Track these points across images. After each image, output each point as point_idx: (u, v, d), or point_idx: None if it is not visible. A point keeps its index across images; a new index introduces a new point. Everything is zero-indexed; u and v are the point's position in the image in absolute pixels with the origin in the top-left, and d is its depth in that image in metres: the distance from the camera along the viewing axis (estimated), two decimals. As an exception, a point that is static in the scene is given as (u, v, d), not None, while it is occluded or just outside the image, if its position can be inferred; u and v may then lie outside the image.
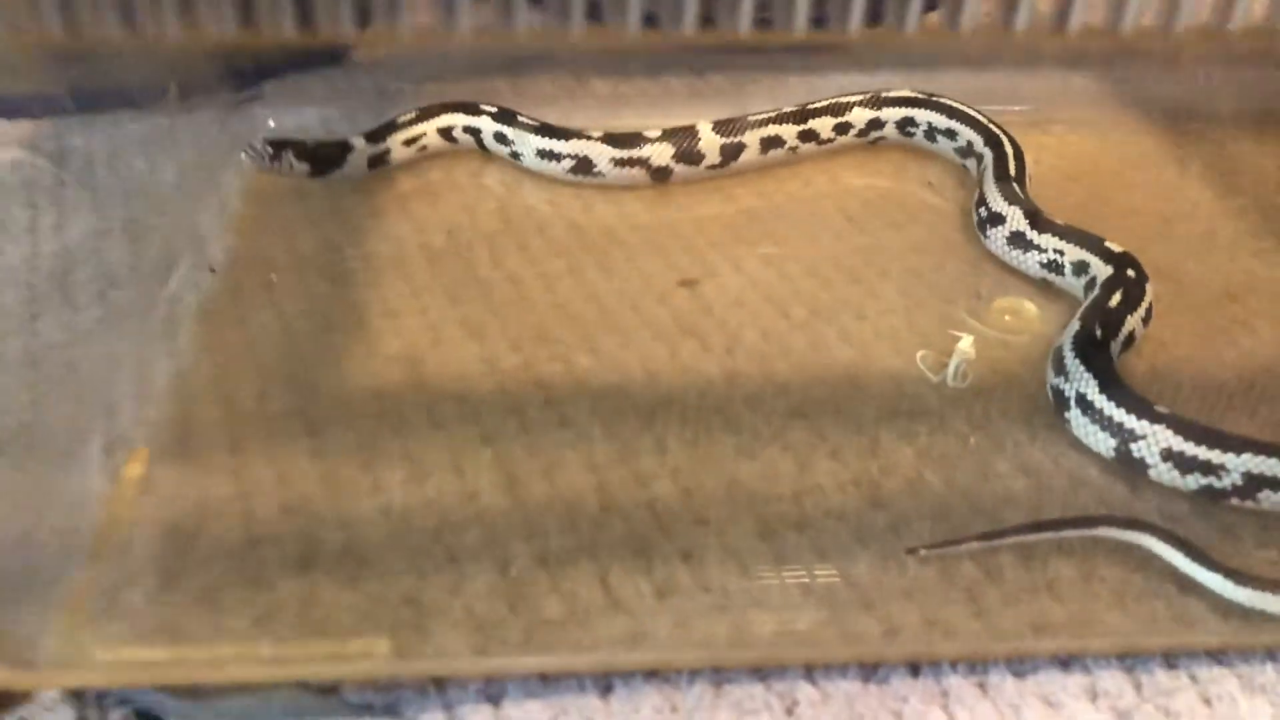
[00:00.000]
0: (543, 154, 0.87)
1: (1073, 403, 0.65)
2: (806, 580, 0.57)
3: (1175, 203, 0.89)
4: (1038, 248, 0.78)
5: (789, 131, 0.89)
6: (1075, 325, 0.70)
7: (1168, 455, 0.62)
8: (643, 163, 0.86)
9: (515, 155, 0.88)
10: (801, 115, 0.90)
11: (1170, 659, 0.55)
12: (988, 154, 0.88)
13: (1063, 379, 0.66)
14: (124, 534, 0.59)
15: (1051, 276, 0.78)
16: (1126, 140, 0.96)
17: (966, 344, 0.70)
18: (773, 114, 0.89)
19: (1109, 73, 1.05)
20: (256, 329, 0.73)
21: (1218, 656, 0.55)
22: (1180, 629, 0.55)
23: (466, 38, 0.36)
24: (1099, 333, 0.69)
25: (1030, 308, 0.76)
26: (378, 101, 0.92)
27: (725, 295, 0.77)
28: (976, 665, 0.55)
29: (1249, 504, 0.60)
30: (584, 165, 0.86)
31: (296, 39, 0.36)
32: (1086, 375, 0.65)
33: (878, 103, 0.92)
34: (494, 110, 0.89)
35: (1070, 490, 0.63)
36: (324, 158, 0.84)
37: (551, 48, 0.95)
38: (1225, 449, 0.60)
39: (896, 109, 0.92)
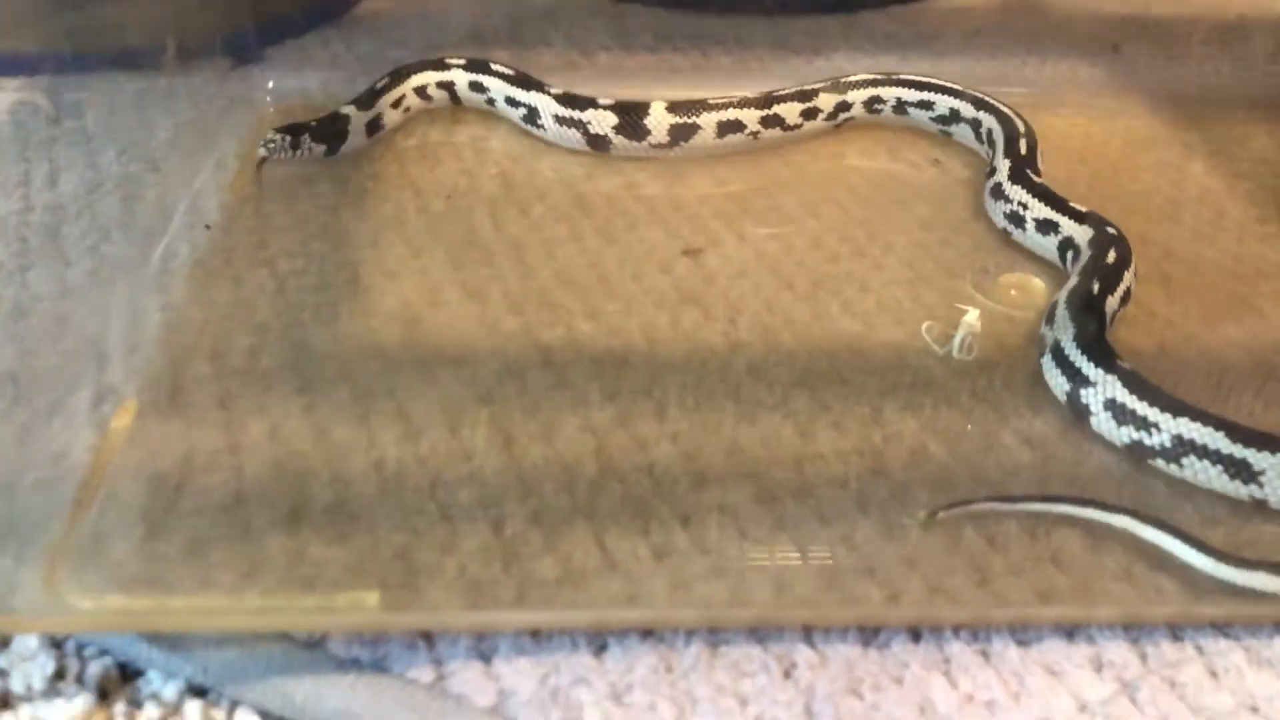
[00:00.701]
0: (510, 100, 0.88)
1: (1048, 348, 0.66)
2: (809, 548, 0.56)
3: (1183, 186, 0.88)
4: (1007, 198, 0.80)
5: (750, 116, 0.87)
6: (1074, 280, 0.70)
7: (1109, 405, 0.61)
8: (581, 126, 0.86)
9: (490, 102, 0.89)
10: (766, 101, 0.88)
11: (1176, 631, 0.54)
12: (985, 117, 0.88)
13: (1049, 326, 0.67)
14: (110, 485, 0.58)
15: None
16: (1135, 124, 0.96)
17: (973, 317, 0.69)
18: (735, 99, 0.87)
19: (1115, 60, 1.05)
20: (251, 286, 0.71)
21: (1224, 629, 0.54)
22: (1186, 601, 0.54)
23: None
24: (1095, 287, 0.69)
25: (1037, 284, 0.75)
26: (378, 66, 0.90)
27: (729, 265, 0.76)
28: (979, 633, 0.53)
29: (1173, 468, 0.60)
30: (532, 116, 0.87)
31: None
32: (1069, 324, 0.66)
33: (841, 87, 0.91)
34: (463, 61, 0.89)
35: (1074, 463, 0.62)
36: (333, 134, 0.82)
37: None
38: (1163, 409, 0.60)
39: (862, 90, 0.91)
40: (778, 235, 0.79)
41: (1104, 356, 0.63)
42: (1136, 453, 0.61)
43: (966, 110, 0.90)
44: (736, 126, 0.87)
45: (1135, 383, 0.62)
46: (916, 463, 0.61)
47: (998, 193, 0.80)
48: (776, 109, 0.88)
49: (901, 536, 0.57)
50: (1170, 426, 0.60)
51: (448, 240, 0.77)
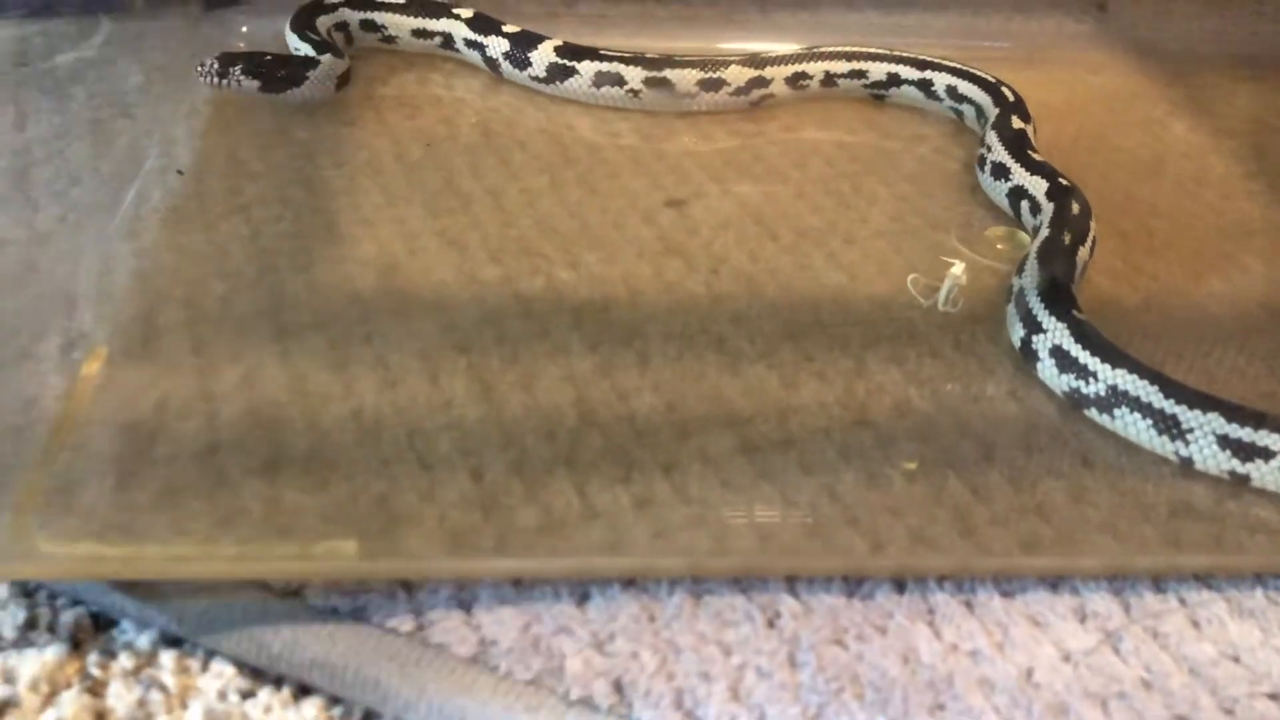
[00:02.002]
0: (416, 32, 0.89)
1: (1013, 295, 0.66)
2: (793, 497, 0.55)
3: (1167, 142, 0.87)
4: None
5: (634, 74, 0.85)
6: (1046, 231, 0.70)
7: (1055, 352, 0.61)
8: (480, 48, 0.88)
9: (389, 40, 0.90)
10: (658, 63, 0.86)
11: (1159, 582, 0.54)
12: (938, 78, 0.88)
13: (1019, 276, 0.67)
14: (80, 432, 0.56)
15: None
16: (1119, 80, 0.95)
17: (959, 269, 0.68)
18: (628, 54, 0.86)
19: (1101, 17, 1.04)
20: (225, 232, 0.70)
21: (1207, 580, 0.54)
22: (1169, 552, 0.54)
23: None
24: (1067, 239, 0.69)
25: (1023, 237, 0.74)
26: (357, 10, 0.89)
27: (713, 217, 0.75)
28: (964, 583, 0.53)
29: (1104, 419, 0.59)
30: (448, 41, 0.89)
31: None
32: (1035, 274, 0.66)
33: (758, 62, 0.87)
34: None
35: (1059, 415, 0.61)
36: (278, 76, 0.79)
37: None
38: (1103, 359, 0.60)
39: (784, 66, 0.88)
40: (762, 185, 0.78)
41: (1060, 305, 0.63)
42: (1073, 401, 0.61)
43: (908, 73, 0.89)
44: (616, 80, 0.85)
45: (1083, 332, 0.61)
46: (900, 414, 0.61)
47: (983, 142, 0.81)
48: (666, 72, 0.85)
49: (885, 486, 0.56)
50: (1107, 377, 0.59)
51: (426, 189, 0.75)
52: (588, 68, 0.85)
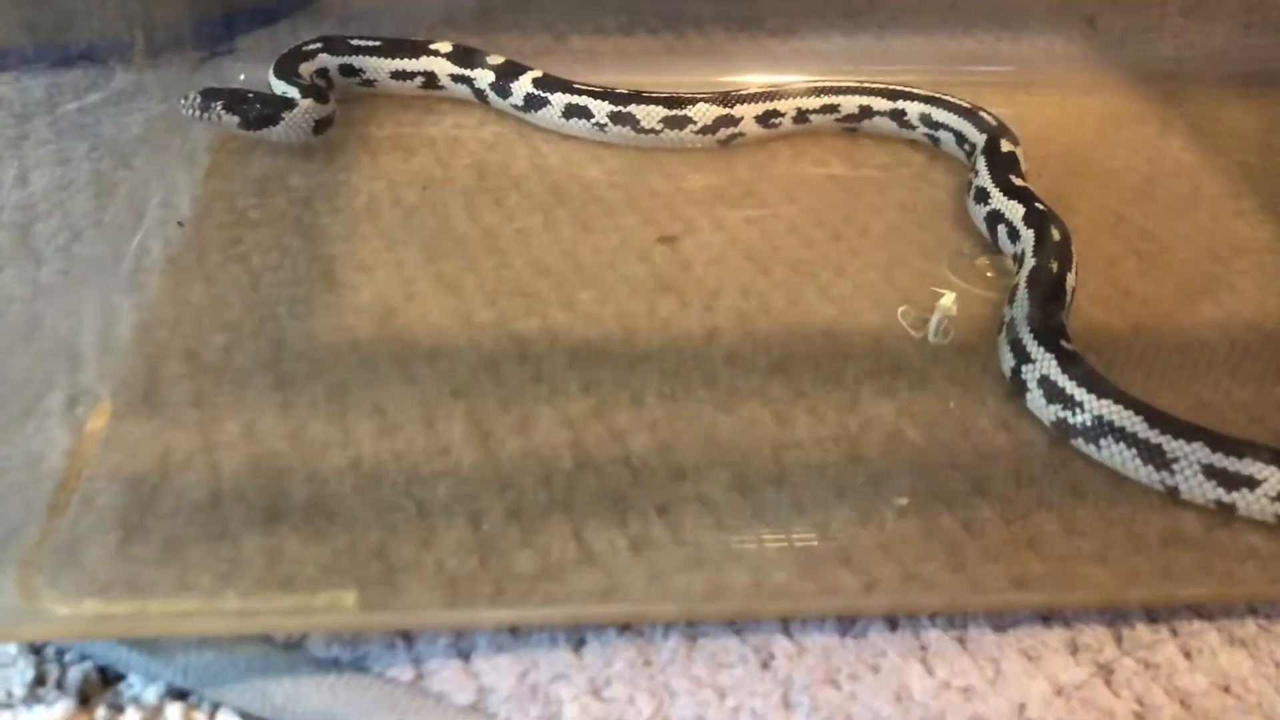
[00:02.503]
0: (395, 74, 0.90)
1: (1004, 326, 0.67)
2: (784, 543, 0.56)
3: (1158, 163, 0.88)
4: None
5: (600, 108, 0.85)
6: (1032, 260, 0.71)
7: (1042, 382, 0.62)
8: (468, 81, 0.90)
9: (368, 83, 0.91)
10: (625, 98, 0.85)
11: (1151, 612, 0.54)
12: (910, 107, 0.88)
13: (1010, 306, 0.68)
14: (85, 488, 0.57)
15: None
16: (1109, 101, 0.96)
17: (949, 300, 0.69)
18: (599, 88, 0.86)
19: (1091, 36, 1.05)
20: (225, 282, 0.71)
21: (1199, 609, 0.55)
22: (1161, 581, 0.55)
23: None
24: (1055, 266, 0.70)
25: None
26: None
27: (705, 252, 0.76)
28: (956, 619, 0.54)
29: (1091, 449, 0.60)
30: (431, 81, 0.90)
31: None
32: (1026, 305, 0.66)
33: (729, 100, 0.86)
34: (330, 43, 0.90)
35: (1051, 444, 0.62)
36: (256, 115, 0.81)
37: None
38: (1089, 390, 0.60)
39: (754, 104, 0.87)
40: (754, 221, 0.79)
41: (1049, 335, 0.64)
42: (1061, 431, 0.61)
43: (880, 104, 0.89)
44: (584, 113, 0.86)
45: (1070, 363, 0.62)
46: (893, 448, 0.62)
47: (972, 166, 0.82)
48: (631, 108, 0.85)
49: (878, 523, 0.57)
50: (1093, 407, 0.60)
51: (422, 232, 0.76)
52: (559, 99, 0.86)
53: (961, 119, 0.86)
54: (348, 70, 0.89)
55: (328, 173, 0.82)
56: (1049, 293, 0.67)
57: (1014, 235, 0.75)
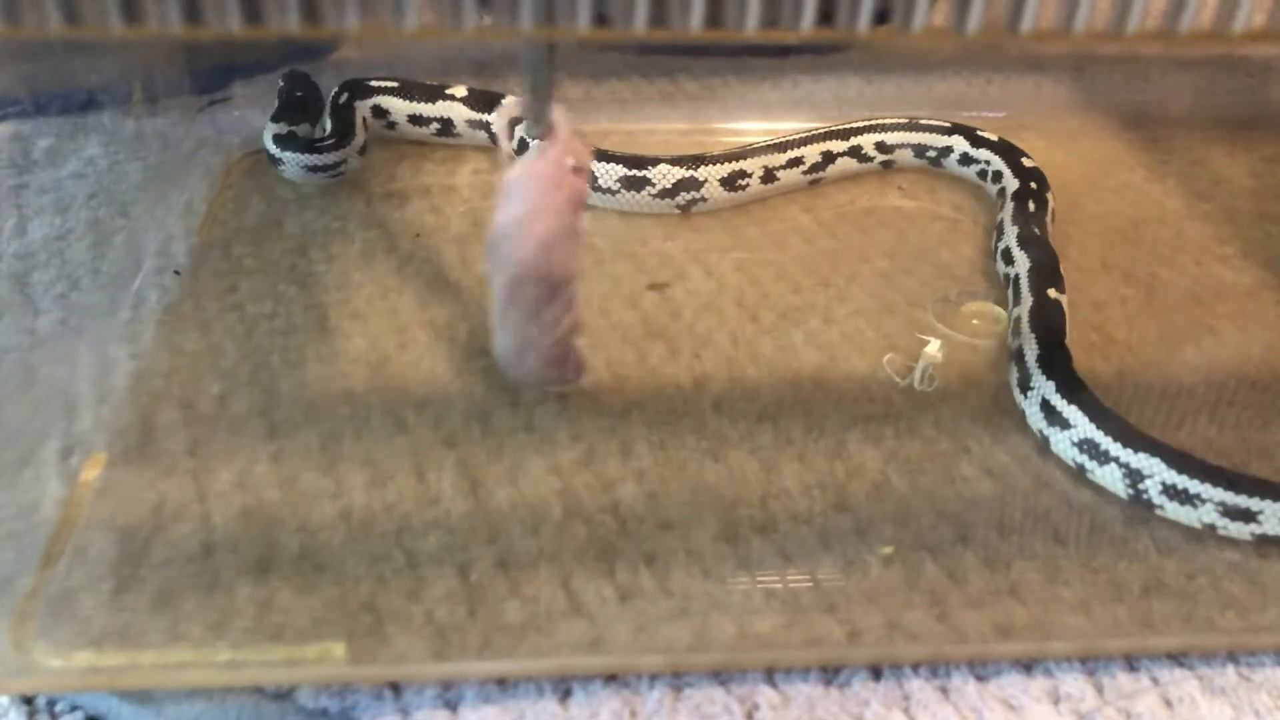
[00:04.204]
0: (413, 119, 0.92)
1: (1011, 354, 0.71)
2: (770, 592, 0.56)
3: (1143, 207, 0.89)
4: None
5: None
6: (1029, 300, 0.73)
7: (1044, 407, 0.65)
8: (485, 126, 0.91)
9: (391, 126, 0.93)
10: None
11: (1132, 661, 0.55)
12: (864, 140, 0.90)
13: (1014, 337, 0.72)
14: (79, 538, 0.58)
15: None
16: (1095, 146, 0.97)
17: (934, 348, 0.70)
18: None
19: (1079, 80, 1.06)
20: (220, 331, 0.72)
21: (1179, 658, 0.55)
22: (1142, 631, 0.55)
23: (413, 35, 0.35)
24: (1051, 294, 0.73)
25: (999, 312, 0.76)
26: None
27: (695, 299, 0.77)
28: (939, 668, 0.54)
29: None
30: (447, 128, 0.91)
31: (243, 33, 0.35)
32: (1028, 334, 0.70)
33: (692, 162, 0.84)
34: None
35: (1034, 493, 0.63)
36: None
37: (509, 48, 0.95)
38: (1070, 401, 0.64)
39: (719, 165, 0.85)
40: (743, 267, 0.80)
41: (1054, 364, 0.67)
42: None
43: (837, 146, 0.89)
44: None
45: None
46: (878, 496, 0.62)
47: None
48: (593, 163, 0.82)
49: (863, 572, 0.58)
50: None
51: (416, 280, 0.77)
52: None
53: (914, 133, 0.91)
54: (377, 111, 0.91)
55: (322, 220, 0.83)
56: (1053, 321, 0.71)
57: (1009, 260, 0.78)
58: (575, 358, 0.65)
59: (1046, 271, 0.75)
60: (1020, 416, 0.67)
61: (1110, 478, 0.62)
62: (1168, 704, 0.53)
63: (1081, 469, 0.63)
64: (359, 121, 0.88)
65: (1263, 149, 0.96)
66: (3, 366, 0.70)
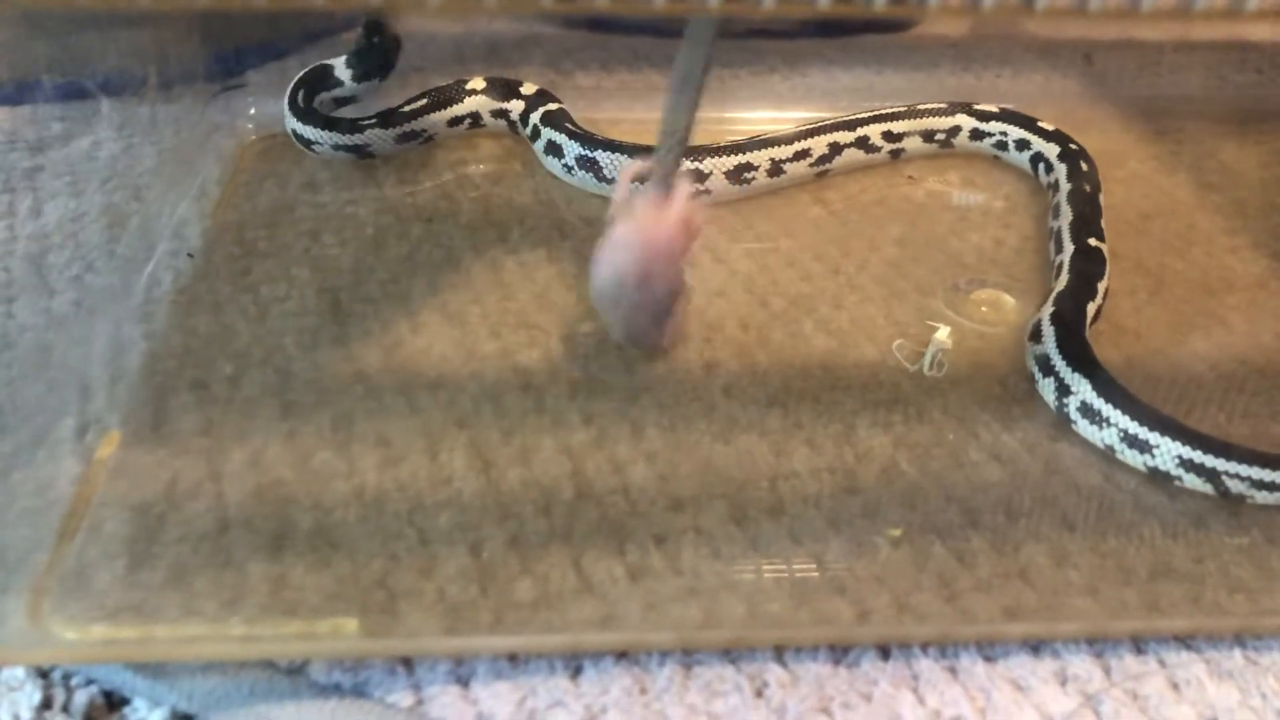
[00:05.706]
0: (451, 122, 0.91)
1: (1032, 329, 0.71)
2: (780, 573, 0.57)
3: (1154, 199, 0.89)
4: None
5: (571, 148, 0.85)
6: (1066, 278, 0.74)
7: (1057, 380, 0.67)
8: (505, 115, 0.92)
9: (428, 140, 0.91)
10: (594, 142, 0.84)
11: (1139, 643, 0.55)
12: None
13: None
14: (94, 515, 0.59)
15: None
16: (1106, 138, 0.97)
17: (943, 334, 0.70)
18: (582, 130, 0.86)
19: (1088, 72, 1.06)
20: (233, 313, 0.72)
21: (1186, 641, 0.55)
22: (1150, 614, 0.55)
23: (439, 7, 0.36)
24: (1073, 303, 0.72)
25: (1008, 300, 0.76)
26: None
27: (705, 285, 0.77)
28: (947, 649, 0.55)
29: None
30: (476, 121, 0.91)
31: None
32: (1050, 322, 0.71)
33: (697, 154, 0.83)
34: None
35: (1043, 477, 0.63)
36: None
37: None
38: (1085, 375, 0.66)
39: (725, 158, 0.84)
40: (753, 254, 0.80)
41: (1070, 347, 0.68)
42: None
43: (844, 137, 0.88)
44: (558, 151, 0.86)
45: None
46: (887, 480, 0.63)
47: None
48: (598, 153, 0.84)
49: (872, 554, 0.58)
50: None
51: (428, 264, 0.78)
52: (546, 134, 0.87)
53: (918, 120, 0.91)
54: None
55: (335, 205, 0.83)
56: (1080, 299, 0.73)
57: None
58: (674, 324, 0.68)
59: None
60: (1029, 403, 0.67)
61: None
62: (1175, 686, 0.53)
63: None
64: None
65: (1273, 141, 0.97)
66: (19, 347, 0.70)
